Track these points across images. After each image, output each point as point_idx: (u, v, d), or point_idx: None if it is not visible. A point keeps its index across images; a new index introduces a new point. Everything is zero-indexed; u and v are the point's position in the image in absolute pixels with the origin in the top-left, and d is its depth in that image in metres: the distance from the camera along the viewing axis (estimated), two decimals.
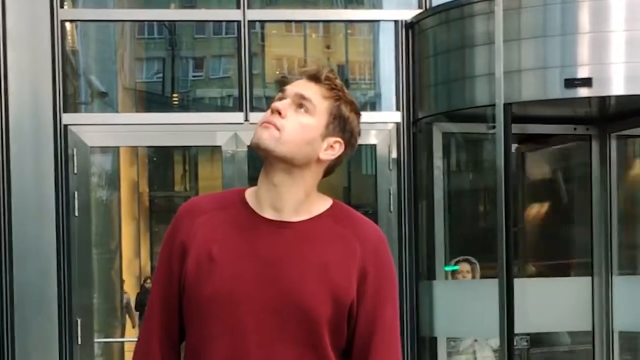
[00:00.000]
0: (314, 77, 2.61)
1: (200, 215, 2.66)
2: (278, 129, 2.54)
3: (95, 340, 7.40)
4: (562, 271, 8.10)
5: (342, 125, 2.63)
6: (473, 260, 7.37)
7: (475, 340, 7.12)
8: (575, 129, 7.47)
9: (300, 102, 2.58)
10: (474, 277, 7.35)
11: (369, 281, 2.62)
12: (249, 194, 2.68)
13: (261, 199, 2.63)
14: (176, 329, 2.68)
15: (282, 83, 2.66)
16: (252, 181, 2.76)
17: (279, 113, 2.56)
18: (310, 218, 2.64)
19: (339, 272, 2.60)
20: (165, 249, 2.68)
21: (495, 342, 7.01)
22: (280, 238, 2.61)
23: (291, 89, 2.60)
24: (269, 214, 2.62)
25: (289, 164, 2.58)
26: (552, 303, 7.30)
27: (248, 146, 6.84)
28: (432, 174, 7.44)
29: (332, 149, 2.62)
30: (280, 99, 2.59)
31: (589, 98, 6.66)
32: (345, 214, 2.69)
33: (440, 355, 7.29)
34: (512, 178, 6.81)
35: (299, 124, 2.57)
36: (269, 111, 2.60)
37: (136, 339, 2.81)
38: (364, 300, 2.62)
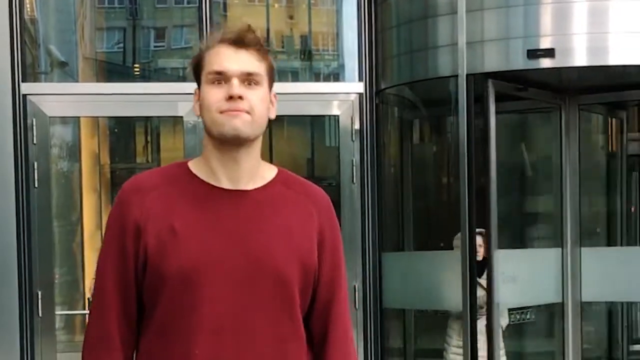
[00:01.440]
0: (240, 43, 2.60)
1: (149, 192, 2.65)
2: (248, 112, 2.57)
3: (57, 312, 7.33)
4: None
5: (273, 74, 2.69)
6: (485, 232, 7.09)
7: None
8: (551, 96, 7.51)
9: (249, 79, 2.59)
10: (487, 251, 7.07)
11: (326, 243, 2.71)
12: (195, 166, 2.70)
13: (215, 171, 2.65)
14: (134, 308, 2.67)
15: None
16: None
17: (240, 97, 2.56)
18: (264, 185, 2.68)
19: (302, 236, 2.66)
20: (114, 229, 2.67)
21: (504, 322, 6.96)
22: (242, 207, 2.63)
23: (231, 67, 2.57)
24: (225, 185, 2.64)
25: (255, 139, 2.64)
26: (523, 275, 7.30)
27: None
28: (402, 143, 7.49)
29: (272, 103, 2.69)
30: (220, 80, 2.58)
31: (551, 69, 6.64)
32: (293, 179, 2.76)
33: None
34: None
35: (259, 100, 2.60)
36: (217, 95, 2.57)
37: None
38: (323, 262, 2.70)
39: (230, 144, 2.60)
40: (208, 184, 2.65)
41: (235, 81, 2.56)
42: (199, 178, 2.67)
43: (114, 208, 2.70)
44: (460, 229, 6.80)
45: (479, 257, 6.91)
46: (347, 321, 2.79)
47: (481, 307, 6.86)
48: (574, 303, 7.49)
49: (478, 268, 6.87)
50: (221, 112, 2.56)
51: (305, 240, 2.67)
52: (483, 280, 6.87)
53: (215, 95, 2.57)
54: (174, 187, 2.66)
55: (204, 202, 2.63)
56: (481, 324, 6.85)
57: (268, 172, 2.71)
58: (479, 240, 6.95)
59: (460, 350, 6.82)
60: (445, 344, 7.06)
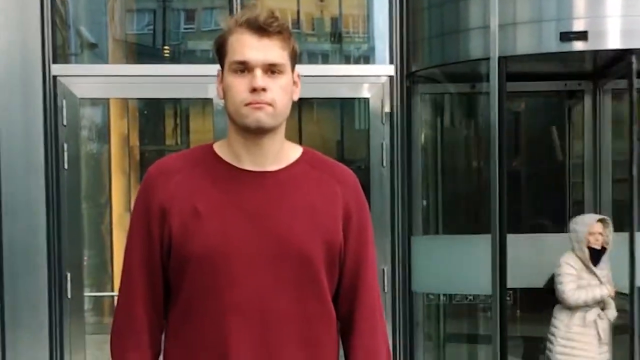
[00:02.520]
0: (263, 31, 2.58)
1: (174, 175, 2.68)
2: (270, 104, 2.59)
3: (85, 294, 7.38)
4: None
5: (296, 57, 2.70)
6: (608, 219, 6.80)
7: (598, 315, 6.85)
8: (565, 84, 7.53)
9: (272, 69, 2.59)
10: (606, 241, 6.72)
11: (353, 222, 2.72)
12: (219, 149, 2.73)
13: (239, 154, 2.68)
14: (161, 291, 2.71)
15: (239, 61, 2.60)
16: None
17: (263, 89, 2.58)
18: (288, 165, 2.71)
19: (326, 215, 2.68)
20: (140, 213, 2.71)
21: (612, 315, 6.73)
22: (265, 187, 2.66)
23: (254, 58, 2.57)
24: (249, 166, 2.67)
25: (279, 126, 2.67)
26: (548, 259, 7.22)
27: None
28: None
29: (296, 84, 2.70)
30: (243, 70, 2.59)
31: (584, 52, 6.64)
32: (319, 159, 2.79)
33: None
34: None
35: (282, 90, 2.62)
36: (241, 87, 2.58)
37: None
38: (349, 240, 2.71)
39: (253, 132, 2.63)
40: (232, 165, 2.68)
41: (258, 72, 2.57)
42: (223, 160, 2.69)
43: (140, 192, 2.74)
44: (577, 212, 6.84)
45: (598, 245, 6.67)
46: (375, 299, 2.80)
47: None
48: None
49: (595, 257, 6.68)
50: (245, 105, 2.58)
51: (329, 218, 2.68)
52: (598, 271, 6.64)
53: (238, 86, 2.58)
54: (198, 169, 2.69)
55: (228, 183, 2.66)
56: (591, 315, 6.64)
57: (293, 153, 2.73)
58: (599, 227, 6.67)
59: (569, 343, 6.64)
60: (550, 335, 6.76)
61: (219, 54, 2.65)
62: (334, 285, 2.72)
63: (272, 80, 2.58)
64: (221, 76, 2.66)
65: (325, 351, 2.71)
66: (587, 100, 7.52)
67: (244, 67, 2.57)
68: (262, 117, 2.58)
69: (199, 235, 2.61)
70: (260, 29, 2.57)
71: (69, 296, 7.06)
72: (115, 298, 2.80)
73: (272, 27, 2.58)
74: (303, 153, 2.77)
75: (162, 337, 2.76)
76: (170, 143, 10.23)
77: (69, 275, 7.05)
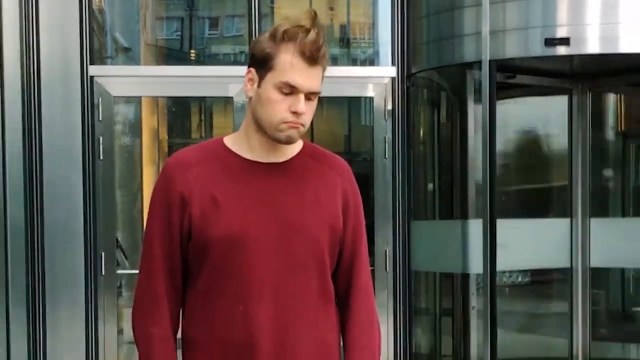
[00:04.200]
0: (314, 61, 2.67)
1: (192, 167, 2.75)
2: (303, 125, 2.72)
3: (117, 272, 7.49)
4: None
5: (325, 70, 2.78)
6: None
7: None
8: (561, 82, 7.66)
9: (312, 95, 2.72)
10: None
11: (350, 208, 2.86)
12: (231, 142, 2.82)
13: (254, 148, 2.78)
14: (180, 272, 2.78)
15: (289, 85, 2.69)
16: None
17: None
18: (293, 157, 2.83)
19: (329, 202, 2.81)
20: (161, 202, 2.76)
21: None
22: (275, 177, 2.77)
23: (303, 85, 2.66)
24: (259, 159, 2.79)
25: None
26: (534, 242, 7.61)
27: None
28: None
29: None
30: (288, 91, 2.68)
31: (567, 56, 6.76)
32: (319, 151, 2.91)
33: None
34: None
35: (312, 110, 2.74)
36: (283, 106, 2.67)
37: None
38: (347, 225, 2.86)
39: (279, 143, 2.76)
40: (244, 158, 2.77)
41: (302, 97, 2.66)
42: (235, 153, 2.78)
43: (159, 182, 2.79)
44: None
45: None
46: (368, 275, 2.92)
47: None
48: (583, 269, 7.70)
49: None
50: (283, 122, 2.68)
51: (332, 205, 2.79)
52: None
53: (281, 104, 2.67)
54: (213, 161, 2.76)
55: (241, 174, 2.75)
56: None
57: (295, 145, 2.83)
58: None
59: None
60: None
61: (262, 62, 2.69)
62: (333, 265, 2.83)
63: (308, 103, 2.68)
64: (256, 78, 2.72)
65: (329, 324, 2.85)
66: (575, 99, 7.71)
67: (290, 90, 2.65)
68: (295, 134, 2.69)
69: (219, 222, 2.68)
70: (312, 58, 2.65)
71: (103, 274, 7.21)
72: (136, 279, 2.89)
73: (322, 55, 2.67)
74: (304, 146, 2.86)
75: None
76: (196, 137, 10.03)
77: (103, 254, 7.21)
